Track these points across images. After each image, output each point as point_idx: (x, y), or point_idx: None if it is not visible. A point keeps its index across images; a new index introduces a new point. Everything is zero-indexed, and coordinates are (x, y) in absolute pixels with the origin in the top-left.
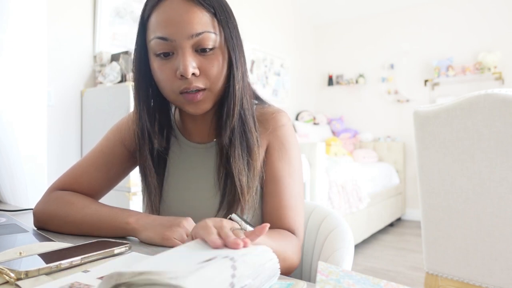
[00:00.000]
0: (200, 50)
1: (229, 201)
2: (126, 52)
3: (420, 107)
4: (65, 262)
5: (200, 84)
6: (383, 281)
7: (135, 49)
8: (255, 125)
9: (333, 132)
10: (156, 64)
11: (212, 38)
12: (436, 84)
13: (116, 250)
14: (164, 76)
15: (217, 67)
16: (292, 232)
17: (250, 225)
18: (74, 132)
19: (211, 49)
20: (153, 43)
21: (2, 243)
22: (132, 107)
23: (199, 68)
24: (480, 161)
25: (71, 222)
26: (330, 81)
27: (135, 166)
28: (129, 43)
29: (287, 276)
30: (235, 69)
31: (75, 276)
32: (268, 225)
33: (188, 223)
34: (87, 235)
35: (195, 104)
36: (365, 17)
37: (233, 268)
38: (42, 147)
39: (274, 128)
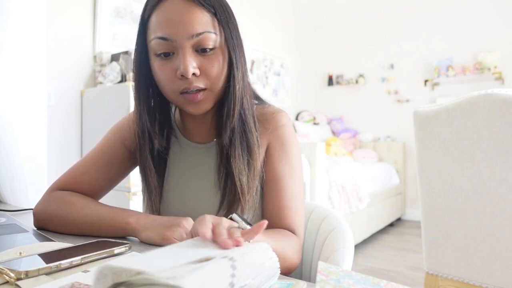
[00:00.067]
0: (201, 50)
1: (229, 201)
2: (126, 52)
3: (420, 107)
4: (65, 262)
5: (200, 84)
6: (383, 281)
7: (136, 49)
8: (255, 125)
9: (333, 132)
10: (156, 64)
11: (213, 38)
12: (436, 84)
13: (116, 250)
14: (165, 76)
15: (218, 67)
16: (292, 231)
17: (250, 225)
18: (74, 132)
19: (211, 49)
20: (154, 43)
21: (2, 243)
22: (132, 107)
23: (199, 68)
24: (480, 161)
25: (71, 222)
26: (330, 81)
27: (135, 166)
28: (129, 43)
29: (287, 276)
30: (235, 69)
31: (75, 276)
32: (266, 222)
33: (188, 223)
34: (87, 235)
35: (196, 104)
36: (365, 17)
37: (232, 267)
38: (42, 147)
39: (274, 128)
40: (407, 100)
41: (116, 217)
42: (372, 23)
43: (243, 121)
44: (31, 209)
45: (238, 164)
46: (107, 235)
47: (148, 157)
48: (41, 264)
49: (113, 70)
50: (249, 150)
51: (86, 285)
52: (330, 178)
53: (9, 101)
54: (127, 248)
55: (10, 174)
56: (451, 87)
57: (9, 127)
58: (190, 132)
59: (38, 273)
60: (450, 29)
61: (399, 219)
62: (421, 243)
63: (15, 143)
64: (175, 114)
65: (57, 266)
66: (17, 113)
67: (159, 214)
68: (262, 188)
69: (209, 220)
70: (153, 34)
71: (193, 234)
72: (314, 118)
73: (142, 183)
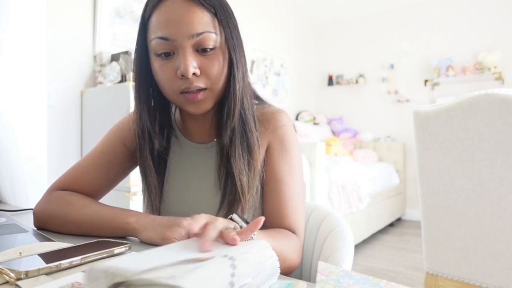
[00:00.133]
0: (201, 50)
1: (229, 201)
2: (126, 52)
3: (420, 107)
4: (65, 262)
5: (200, 84)
6: (383, 281)
7: (136, 49)
8: (255, 125)
9: (333, 132)
10: (156, 64)
11: (213, 38)
12: (436, 84)
13: (116, 250)
14: (165, 76)
15: (218, 67)
16: (292, 231)
17: None
18: (74, 132)
19: (211, 49)
20: (154, 43)
21: (2, 243)
22: (132, 107)
23: (199, 68)
24: (480, 161)
25: (71, 222)
26: (330, 81)
27: (135, 166)
28: (129, 43)
29: (288, 276)
30: (235, 69)
31: (75, 276)
32: (262, 218)
33: (188, 223)
34: (87, 235)
35: (196, 103)
36: (365, 17)
37: (232, 267)
38: (42, 147)
39: (274, 128)
40: (407, 100)
41: (116, 217)
42: (372, 23)
43: (243, 121)
44: (31, 209)
45: (239, 164)
46: (107, 235)
47: (148, 157)
48: (41, 264)
49: (113, 70)
50: (249, 150)
51: None
52: (330, 178)
53: (9, 101)
54: (127, 248)
55: (10, 174)
56: (451, 87)
57: (9, 127)
58: (190, 132)
59: (38, 273)
60: (450, 29)
61: (399, 219)
62: (421, 243)
63: (15, 143)
64: (175, 114)
65: (57, 266)
66: (17, 113)
67: (159, 214)
68: (262, 188)
69: (203, 218)
70: (154, 34)
71: (189, 235)
72: (314, 118)
73: (142, 183)
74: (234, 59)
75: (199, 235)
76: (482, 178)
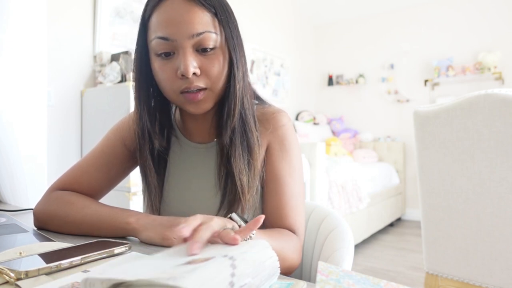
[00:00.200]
0: (201, 50)
1: (229, 201)
2: (126, 52)
3: (420, 107)
4: (65, 262)
5: (201, 83)
6: (383, 281)
7: (136, 49)
8: (255, 125)
9: (333, 132)
10: (157, 64)
11: (213, 38)
12: (436, 84)
13: (116, 250)
14: (165, 75)
15: (218, 67)
16: (292, 231)
17: None
18: (74, 132)
19: (212, 49)
20: (154, 43)
21: (2, 243)
22: (132, 107)
23: (200, 68)
24: (480, 161)
25: (71, 222)
26: (330, 81)
27: (135, 166)
28: (129, 43)
29: (288, 276)
30: (235, 69)
31: (75, 276)
32: (262, 217)
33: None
34: (87, 235)
35: (196, 103)
36: (365, 17)
37: (232, 267)
38: (42, 147)
39: (274, 128)
40: (407, 100)
41: (116, 217)
42: (372, 23)
43: (243, 121)
44: (31, 209)
45: (239, 164)
46: (107, 235)
47: (148, 157)
48: (41, 264)
49: (113, 70)
50: (249, 150)
51: None
52: (330, 178)
53: (9, 101)
54: (127, 248)
55: (10, 174)
56: (451, 87)
57: (9, 127)
58: (190, 132)
59: (38, 273)
60: (450, 29)
61: (399, 219)
62: (421, 243)
63: (15, 143)
64: (176, 114)
65: (57, 266)
66: (17, 113)
67: (159, 214)
68: (262, 188)
69: (197, 219)
70: (154, 34)
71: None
72: (314, 118)
73: (142, 183)
74: (234, 59)
75: (191, 237)
76: (482, 178)
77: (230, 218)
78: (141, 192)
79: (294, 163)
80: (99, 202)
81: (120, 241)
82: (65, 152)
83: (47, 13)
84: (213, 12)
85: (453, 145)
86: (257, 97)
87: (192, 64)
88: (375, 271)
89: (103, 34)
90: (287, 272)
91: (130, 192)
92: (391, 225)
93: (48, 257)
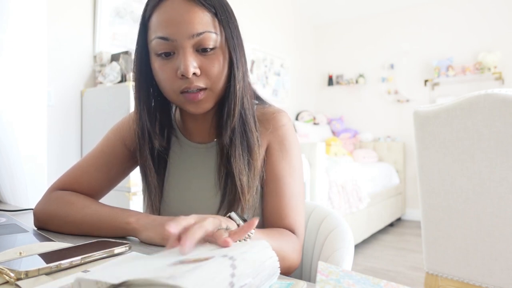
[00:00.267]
0: (201, 50)
1: (229, 201)
2: (126, 52)
3: (420, 107)
4: (65, 262)
5: (201, 83)
6: (383, 281)
7: (136, 49)
8: (255, 125)
9: (333, 132)
10: (157, 64)
11: (213, 38)
12: (436, 84)
13: (116, 250)
14: (165, 76)
15: (218, 67)
16: (292, 231)
17: None
18: (74, 132)
19: (212, 49)
20: (154, 43)
21: (2, 243)
22: (132, 107)
23: (200, 68)
24: (480, 161)
25: (71, 222)
26: (330, 81)
27: (135, 166)
28: (129, 43)
29: (287, 276)
30: (235, 69)
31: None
32: (256, 219)
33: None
34: (87, 235)
35: (196, 103)
36: (365, 17)
37: (232, 267)
38: (42, 147)
39: (274, 128)
40: (407, 100)
41: (116, 217)
42: (372, 23)
43: (243, 121)
44: (31, 209)
45: (239, 164)
46: (107, 235)
47: (148, 157)
48: (41, 264)
49: (113, 70)
50: (249, 150)
51: None
52: (330, 178)
53: (9, 101)
54: (127, 248)
55: (10, 174)
56: (451, 87)
57: (9, 127)
58: (190, 132)
59: (38, 273)
60: (450, 29)
61: (399, 219)
62: (421, 243)
63: (15, 143)
64: (176, 114)
65: (57, 266)
66: (17, 113)
67: (159, 214)
68: (262, 188)
69: (189, 219)
70: (154, 34)
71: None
72: (314, 118)
73: (142, 183)
74: (234, 59)
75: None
76: (482, 178)
77: (229, 217)
78: (141, 192)
79: (294, 163)
80: (99, 202)
81: (120, 241)
82: (65, 152)
83: (47, 13)
84: (213, 12)
85: (453, 145)
86: (257, 97)
87: (192, 64)
88: (375, 271)
89: (103, 34)
90: (287, 272)
91: (130, 192)
92: (391, 225)
93: (48, 257)
